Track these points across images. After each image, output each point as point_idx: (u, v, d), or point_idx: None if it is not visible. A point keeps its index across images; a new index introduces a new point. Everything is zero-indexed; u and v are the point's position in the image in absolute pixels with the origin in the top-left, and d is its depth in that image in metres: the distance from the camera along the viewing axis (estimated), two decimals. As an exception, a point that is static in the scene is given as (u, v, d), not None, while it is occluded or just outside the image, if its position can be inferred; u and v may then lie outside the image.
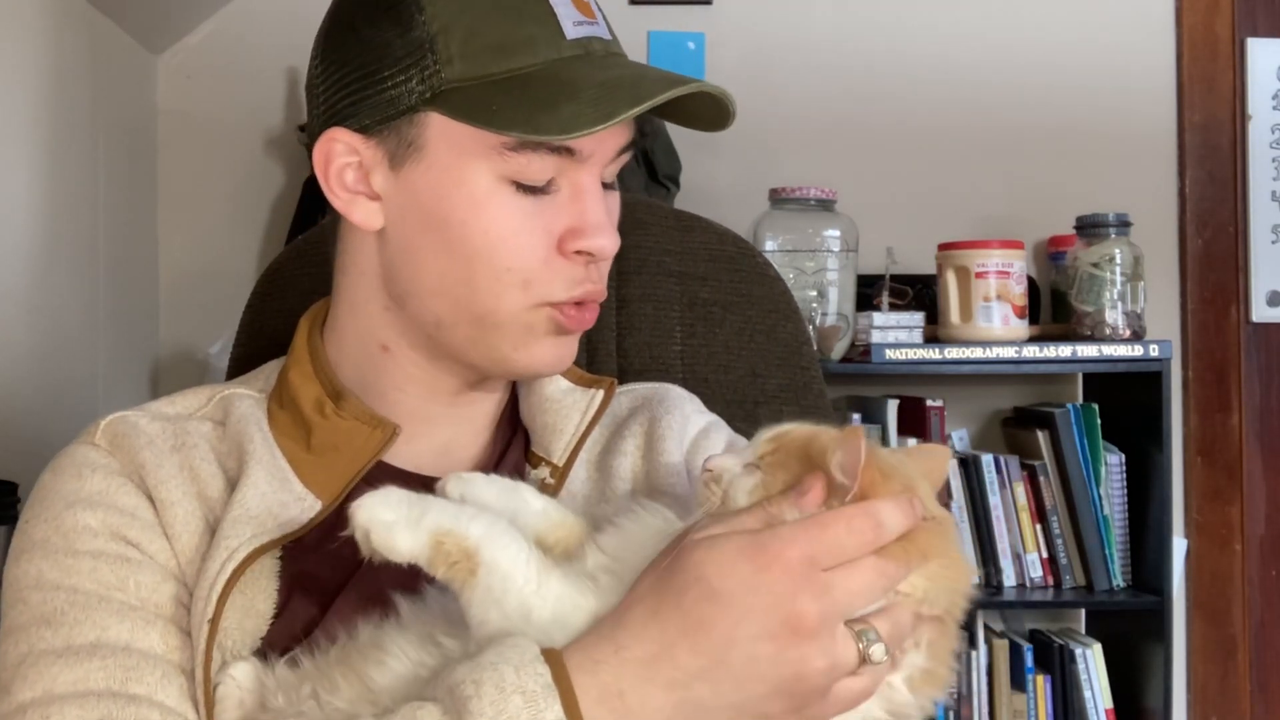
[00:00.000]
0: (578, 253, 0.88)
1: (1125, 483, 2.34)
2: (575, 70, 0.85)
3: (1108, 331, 2.27)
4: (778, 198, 2.29)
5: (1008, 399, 2.57)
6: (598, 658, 0.70)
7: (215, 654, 0.83)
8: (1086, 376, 2.52)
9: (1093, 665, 2.28)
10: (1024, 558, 2.31)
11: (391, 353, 0.94)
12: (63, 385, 2.07)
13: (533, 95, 0.83)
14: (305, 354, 0.97)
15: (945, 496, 2.26)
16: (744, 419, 1.08)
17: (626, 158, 0.92)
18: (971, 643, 2.30)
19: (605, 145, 0.89)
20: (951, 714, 2.29)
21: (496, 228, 0.86)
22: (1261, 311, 2.62)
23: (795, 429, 0.79)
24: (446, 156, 0.86)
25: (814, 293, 2.26)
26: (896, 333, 2.23)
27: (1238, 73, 2.63)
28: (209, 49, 2.58)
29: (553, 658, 0.70)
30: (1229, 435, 2.60)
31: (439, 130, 0.86)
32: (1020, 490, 2.32)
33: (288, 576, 0.87)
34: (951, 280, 2.27)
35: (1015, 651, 2.31)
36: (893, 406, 2.28)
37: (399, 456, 0.94)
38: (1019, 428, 2.46)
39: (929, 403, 2.28)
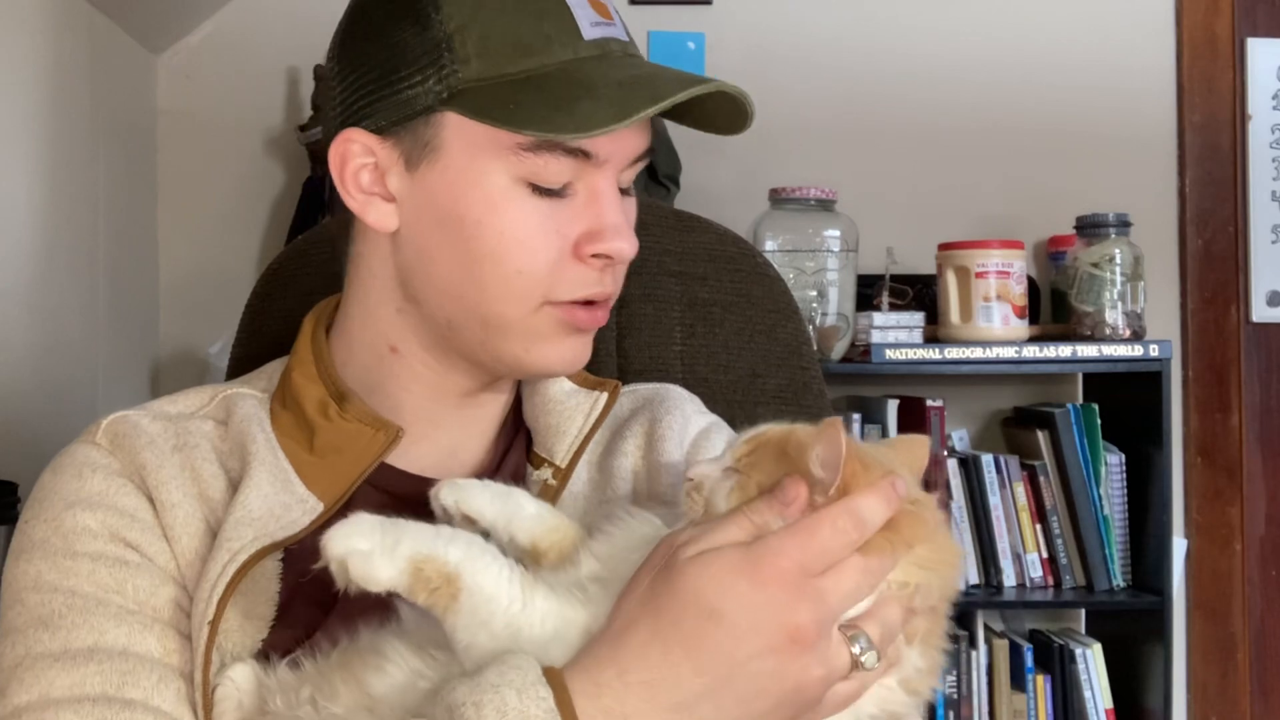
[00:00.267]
0: (594, 256, 0.87)
1: (1125, 483, 2.34)
2: (593, 70, 0.85)
3: (1108, 331, 2.27)
4: (778, 198, 2.29)
5: (1008, 399, 2.57)
6: (600, 681, 0.70)
7: (215, 657, 0.83)
8: (1086, 376, 2.52)
9: (1093, 665, 2.28)
10: (1024, 558, 2.31)
11: (400, 354, 0.94)
12: (63, 385, 2.07)
13: (550, 94, 0.83)
14: (309, 354, 0.96)
15: (945, 496, 2.26)
16: (744, 419, 1.07)
17: (643, 164, 0.91)
18: (971, 643, 2.30)
19: (622, 149, 0.88)
20: (951, 714, 2.29)
21: (511, 229, 0.86)
22: (1261, 311, 2.62)
23: (771, 429, 0.78)
24: (463, 157, 0.86)
25: (814, 293, 2.26)
26: (896, 333, 2.23)
27: (1238, 73, 2.63)
28: (209, 49, 2.58)
29: (554, 680, 0.69)
30: (1229, 435, 2.60)
31: (456, 130, 0.86)
32: (1020, 490, 2.32)
33: (289, 579, 0.87)
34: (951, 280, 2.27)
35: (1015, 651, 2.31)
36: (893, 406, 2.28)
37: (402, 458, 0.94)
38: (1019, 428, 2.46)
39: (929, 403, 2.28)
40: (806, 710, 0.72)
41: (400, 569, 0.73)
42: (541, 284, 0.87)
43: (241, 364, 1.15)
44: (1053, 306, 2.49)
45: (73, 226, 2.14)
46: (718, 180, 2.52)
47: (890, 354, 2.21)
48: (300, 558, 0.87)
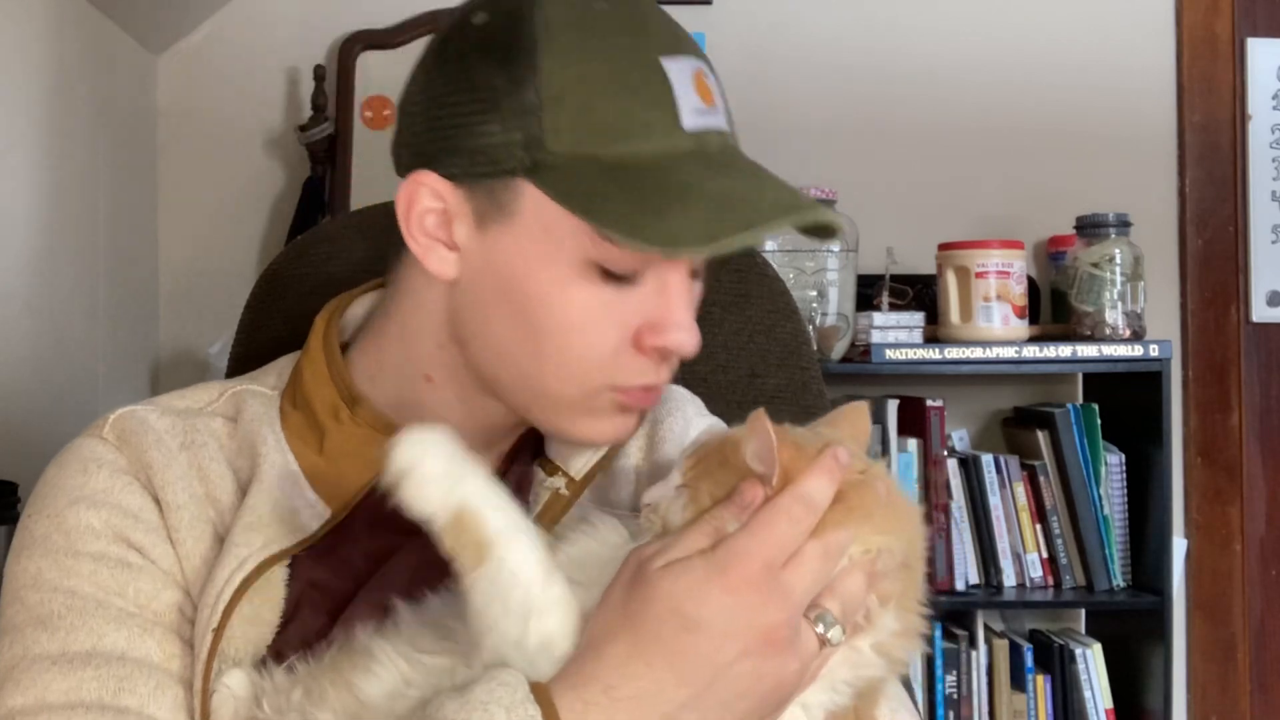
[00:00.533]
0: (654, 348, 0.84)
1: (1125, 483, 2.34)
2: (688, 171, 0.80)
3: (1108, 331, 2.27)
4: (778, 198, 2.28)
5: (1008, 399, 2.57)
6: (588, 699, 0.70)
7: (216, 664, 0.82)
8: (1086, 376, 2.52)
9: (1093, 665, 2.28)
10: (1024, 558, 2.31)
11: (435, 384, 0.91)
12: (63, 385, 2.07)
13: (639, 193, 0.78)
14: (321, 355, 0.94)
15: (945, 497, 2.26)
16: (743, 419, 1.07)
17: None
18: (971, 643, 2.30)
19: None
20: (951, 714, 2.29)
21: (575, 314, 0.82)
22: (1261, 311, 2.62)
23: (710, 438, 0.80)
24: (536, 229, 0.82)
25: (814, 293, 2.26)
26: (896, 333, 2.23)
27: (1238, 73, 2.62)
28: (209, 49, 2.58)
29: (541, 697, 0.69)
30: (1229, 435, 2.60)
31: (533, 202, 0.81)
32: (1020, 490, 2.32)
33: (296, 585, 0.86)
34: (951, 280, 2.27)
35: (1015, 651, 2.31)
36: (893, 406, 2.28)
37: None
38: (1019, 428, 2.46)
39: (929, 403, 2.28)
40: (786, 703, 0.73)
41: (446, 512, 0.73)
42: (602, 371, 0.84)
43: (241, 364, 1.15)
44: (1053, 306, 2.49)
45: (73, 227, 2.14)
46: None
47: (890, 354, 2.21)
48: (308, 563, 0.87)
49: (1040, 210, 2.58)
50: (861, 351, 2.25)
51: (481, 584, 0.73)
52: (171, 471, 0.87)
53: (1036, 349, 2.23)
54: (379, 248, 1.11)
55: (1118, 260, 2.27)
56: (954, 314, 2.27)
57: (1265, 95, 2.63)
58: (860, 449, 0.77)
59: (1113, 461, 2.32)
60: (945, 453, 2.29)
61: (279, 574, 0.85)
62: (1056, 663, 2.30)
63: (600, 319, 0.83)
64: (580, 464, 0.94)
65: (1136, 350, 2.23)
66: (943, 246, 2.31)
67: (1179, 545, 2.51)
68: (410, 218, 0.86)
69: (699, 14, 2.54)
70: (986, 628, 2.35)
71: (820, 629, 0.73)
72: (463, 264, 0.86)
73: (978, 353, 2.23)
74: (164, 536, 0.86)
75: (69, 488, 0.87)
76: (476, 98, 0.82)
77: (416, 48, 2.78)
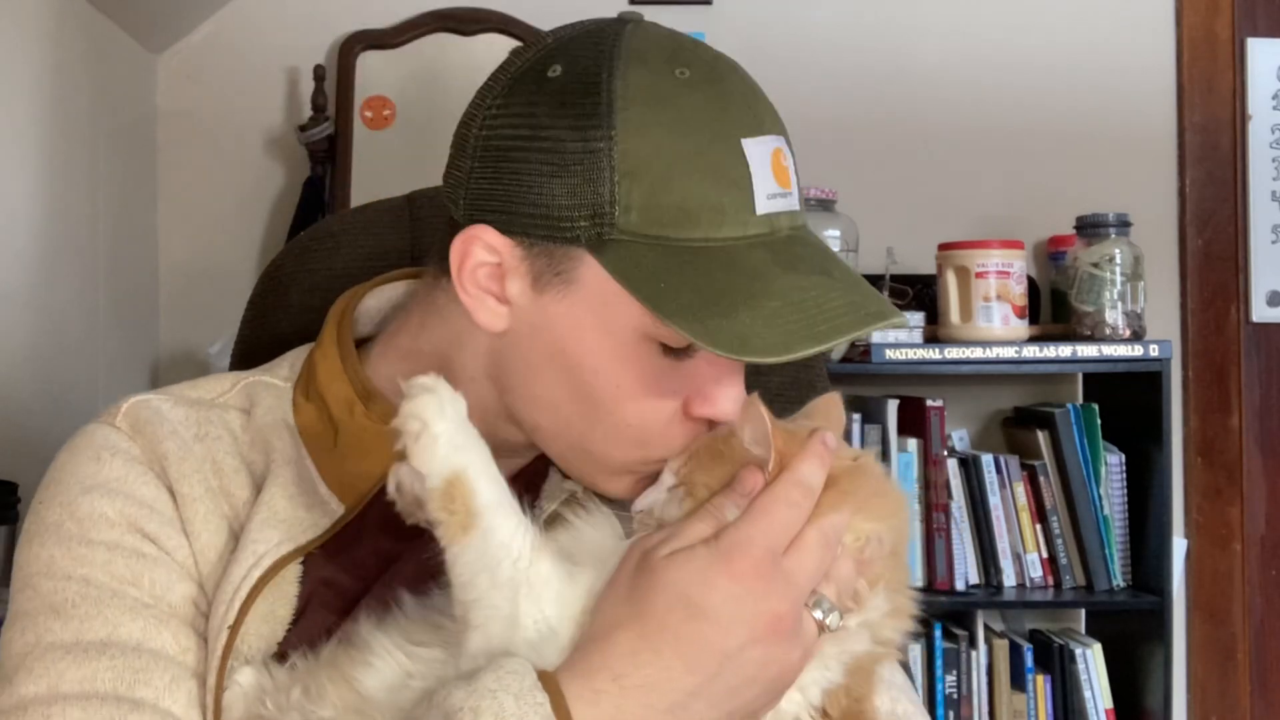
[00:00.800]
0: (700, 416, 0.83)
1: (1125, 483, 2.34)
2: (756, 260, 0.78)
3: (1108, 331, 2.27)
4: (778, 198, 2.28)
5: (1008, 399, 2.57)
6: (597, 687, 0.70)
7: (230, 660, 0.81)
8: (1086, 376, 2.52)
9: (1093, 665, 2.28)
10: (1024, 558, 2.31)
11: None
12: (63, 385, 2.07)
13: (707, 287, 0.76)
14: (334, 349, 0.92)
15: (945, 497, 2.26)
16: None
17: None
18: (971, 643, 2.30)
19: None
20: (951, 714, 2.29)
21: (628, 385, 0.81)
22: (1261, 311, 2.62)
23: (700, 437, 0.82)
24: (595, 301, 0.79)
25: (814, 293, 2.25)
26: (896, 333, 2.23)
27: (1238, 73, 2.63)
28: (209, 49, 2.58)
29: (549, 684, 0.70)
30: (1229, 435, 2.60)
31: (594, 275, 0.78)
32: (1020, 490, 2.32)
33: (309, 582, 0.85)
34: (951, 280, 2.27)
35: (1015, 651, 2.31)
36: (893, 406, 2.28)
37: None
38: (1019, 428, 2.46)
39: (929, 403, 2.28)
40: (787, 688, 0.75)
41: (441, 474, 0.73)
42: (652, 443, 0.82)
43: (244, 360, 1.14)
44: (1053, 306, 2.49)
45: (73, 226, 2.14)
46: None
47: (890, 354, 2.21)
48: (320, 561, 0.86)
49: (1040, 210, 2.58)
50: (861, 351, 2.25)
51: (468, 554, 0.73)
52: (187, 464, 0.87)
53: (1036, 349, 2.23)
54: (385, 243, 1.11)
55: (1118, 260, 2.27)
56: (954, 314, 2.27)
57: (1265, 95, 2.63)
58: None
59: (1113, 461, 2.32)
60: (945, 453, 2.29)
61: (292, 570, 0.85)
62: (1056, 663, 2.30)
63: (653, 392, 0.81)
64: None
65: (1136, 350, 2.23)
66: (943, 246, 2.31)
67: (1179, 545, 2.51)
68: (463, 270, 0.82)
69: (699, 14, 2.54)
70: (986, 628, 2.35)
71: (819, 615, 0.74)
72: (513, 319, 0.83)
73: (978, 353, 2.23)
74: (179, 529, 0.85)
75: (82, 475, 0.86)
76: (545, 157, 0.78)
77: (417, 48, 2.79)
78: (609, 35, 0.81)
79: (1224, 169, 2.63)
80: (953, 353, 2.23)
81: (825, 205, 2.30)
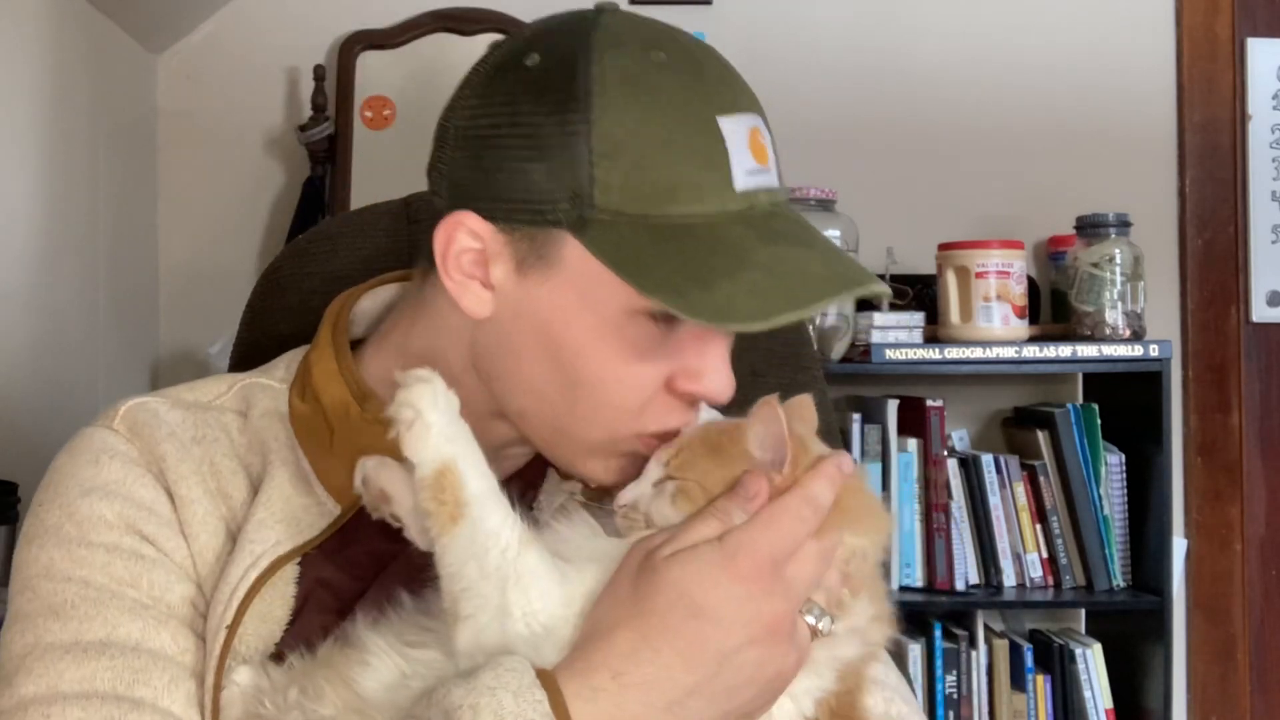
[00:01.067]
0: (686, 392, 0.83)
1: (1125, 483, 2.34)
2: (736, 235, 0.79)
3: (1108, 331, 2.27)
4: (778, 198, 2.28)
5: (1008, 399, 2.57)
6: (596, 684, 0.71)
7: (229, 660, 0.82)
8: (1086, 376, 2.52)
9: (1093, 665, 2.28)
10: (1024, 558, 2.31)
11: None
12: (63, 385, 2.07)
13: (688, 260, 0.77)
14: (330, 351, 0.93)
15: (945, 497, 2.27)
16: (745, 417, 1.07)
17: None
18: (971, 643, 2.30)
19: None
20: (951, 714, 2.29)
21: (612, 363, 0.81)
22: (1261, 311, 2.62)
23: (689, 430, 0.83)
24: (578, 283, 0.80)
25: (814, 293, 2.25)
26: (896, 333, 2.23)
27: (1238, 73, 2.63)
28: (209, 49, 2.58)
29: (548, 682, 0.70)
30: (1229, 435, 2.60)
31: (576, 255, 0.80)
32: (1020, 490, 2.32)
33: (305, 582, 0.86)
34: (951, 280, 2.27)
35: (1015, 651, 2.31)
36: (893, 406, 2.28)
37: None
38: (1019, 428, 2.46)
39: (929, 403, 2.28)
40: (781, 691, 0.76)
41: (432, 463, 0.74)
42: (634, 419, 0.83)
43: (243, 361, 1.14)
44: (1053, 306, 2.49)
45: (73, 227, 2.14)
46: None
47: (890, 354, 2.21)
48: (317, 561, 0.87)
49: (1040, 210, 2.58)
50: (861, 351, 2.25)
51: (458, 543, 0.74)
52: (185, 465, 0.87)
53: (1036, 349, 2.23)
54: (381, 245, 1.11)
55: (1118, 260, 2.27)
56: (954, 314, 2.27)
57: (1265, 95, 2.63)
58: (773, 411, 0.78)
59: (1113, 461, 2.32)
60: (945, 453, 2.29)
61: (289, 570, 0.85)
62: (1056, 663, 2.30)
63: (637, 368, 0.82)
64: None
65: (1136, 350, 2.23)
66: (943, 246, 2.31)
67: (1179, 545, 2.51)
68: (448, 256, 0.84)
69: (699, 14, 2.54)
70: (986, 628, 2.35)
71: (811, 619, 0.76)
72: (498, 304, 0.84)
73: (978, 353, 2.23)
74: (177, 530, 0.86)
75: (81, 478, 0.86)
76: (525, 143, 0.80)
77: (417, 48, 2.78)
78: (585, 23, 0.83)
79: (1224, 169, 2.63)
80: (953, 353, 2.23)
81: (825, 205, 2.30)
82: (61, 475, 0.87)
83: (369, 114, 2.52)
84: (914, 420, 2.30)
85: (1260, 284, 2.62)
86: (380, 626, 0.80)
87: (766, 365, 1.16)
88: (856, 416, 2.31)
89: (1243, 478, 2.59)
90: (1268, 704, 2.59)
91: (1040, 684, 2.29)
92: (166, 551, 0.85)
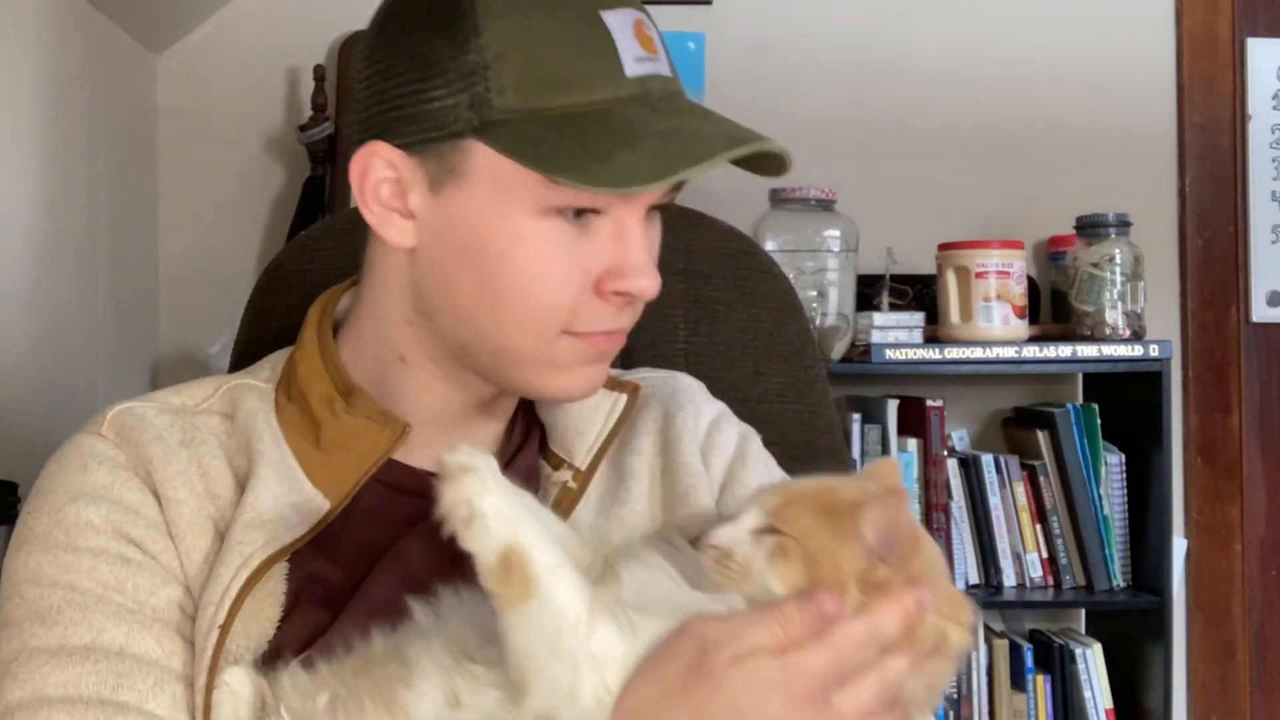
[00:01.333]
0: (616, 293, 0.85)
1: (1125, 483, 2.34)
2: (633, 114, 0.82)
3: (1108, 331, 2.27)
4: (778, 198, 2.29)
5: (1008, 399, 2.57)
6: None
7: (221, 661, 0.81)
8: (1086, 376, 2.52)
9: (1093, 665, 2.28)
10: (1024, 558, 2.31)
11: (409, 364, 0.92)
12: (63, 385, 2.07)
13: (586, 139, 0.80)
14: (315, 348, 0.94)
15: (945, 497, 2.27)
16: (747, 417, 1.07)
17: (676, 194, 0.89)
18: (972, 643, 2.30)
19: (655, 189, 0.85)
20: (951, 714, 2.29)
21: (534, 263, 0.83)
22: (1261, 311, 2.62)
23: (800, 482, 0.79)
24: (489, 187, 0.83)
25: (814, 293, 2.26)
26: (896, 333, 2.23)
27: (1238, 73, 2.63)
28: (209, 49, 2.58)
29: None
30: (1229, 435, 2.60)
31: (484, 160, 0.82)
32: (1020, 490, 2.32)
33: (295, 580, 0.86)
34: (951, 280, 2.27)
35: (1015, 651, 2.31)
36: (893, 406, 2.28)
37: (411, 455, 0.92)
38: (1019, 428, 2.46)
39: (929, 403, 2.28)
40: None
41: (494, 551, 0.72)
42: (561, 317, 0.85)
43: (242, 363, 1.14)
44: (1053, 306, 2.49)
45: (73, 226, 2.14)
46: (718, 180, 2.50)
47: (890, 354, 2.21)
48: (307, 558, 0.87)
49: (1040, 210, 2.58)
50: (861, 351, 2.25)
51: (526, 623, 0.72)
52: (171, 467, 0.88)
53: (1036, 349, 2.23)
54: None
55: (1118, 260, 2.27)
56: (954, 314, 2.27)
57: (1265, 95, 2.63)
58: (900, 501, 0.75)
59: (1113, 461, 2.32)
60: (945, 453, 2.29)
61: (279, 568, 0.86)
62: (1056, 663, 2.30)
63: (559, 266, 0.84)
64: (583, 453, 0.95)
65: (1136, 350, 2.23)
66: (943, 246, 2.31)
67: (1179, 545, 2.51)
68: (365, 188, 0.87)
69: (699, 14, 2.54)
70: (986, 628, 2.36)
71: None
72: (419, 231, 0.87)
73: (978, 353, 2.23)
74: (164, 532, 0.86)
75: (69, 484, 0.87)
76: (420, 65, 0.83)
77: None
78: None
79: (1224, 169, 2.63)
80: (953, 353, 2.23)
81: (825, 205, 2.29)
82: (50, 482, 0.88)
83: (369, 114, 2.52)
84: (914, 420, 2.30)
85: (1260, 284, 2.62)
86: (424, 638, 0.78)
87: (769, 365, 1.16)
88: (856, 416, 2.31)
89: (1243, 478, 2.59)
90: (1268, 704, 2.59)
91: (1040, 684, 2.29)
92: (154, 554, 0.85)
